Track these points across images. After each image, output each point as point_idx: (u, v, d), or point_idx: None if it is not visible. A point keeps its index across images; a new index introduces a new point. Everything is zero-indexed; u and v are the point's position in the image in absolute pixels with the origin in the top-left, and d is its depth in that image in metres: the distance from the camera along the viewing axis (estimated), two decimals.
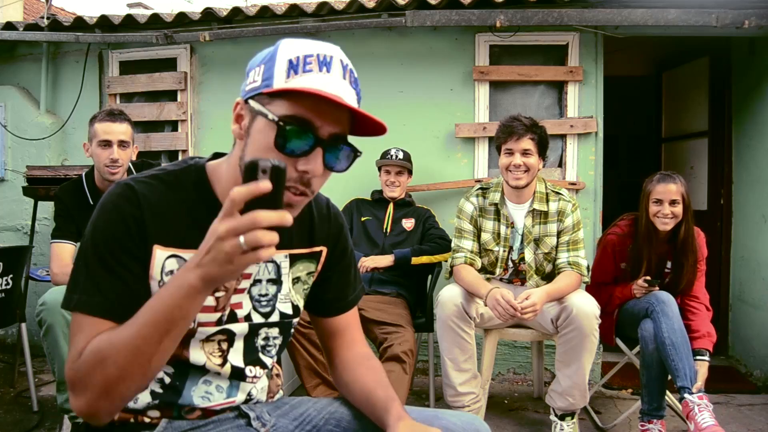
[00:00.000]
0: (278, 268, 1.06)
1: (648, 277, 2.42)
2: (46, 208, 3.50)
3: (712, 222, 3.71)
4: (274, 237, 0.75)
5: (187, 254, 0.94)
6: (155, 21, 3.49)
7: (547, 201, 2.43)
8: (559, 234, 2.42)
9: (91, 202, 2.38)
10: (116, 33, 3.54)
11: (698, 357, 2.29)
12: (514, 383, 3.27)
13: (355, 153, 0.92)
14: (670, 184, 2.39)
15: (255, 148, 0.88)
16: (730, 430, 2.58)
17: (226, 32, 3.36)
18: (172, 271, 0.94)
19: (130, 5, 10.69)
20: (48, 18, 3.59)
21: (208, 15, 3.41)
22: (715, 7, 2.94)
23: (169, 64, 3.59)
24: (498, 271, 2.48)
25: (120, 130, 2.32)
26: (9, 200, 3.68)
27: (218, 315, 1.00)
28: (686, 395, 2.15)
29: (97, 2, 7.64)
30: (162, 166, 1.01)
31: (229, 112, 3.66)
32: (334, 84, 0.88)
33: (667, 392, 2.42)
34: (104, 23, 3.50)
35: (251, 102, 0.89)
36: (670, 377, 2.34)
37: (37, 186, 3.01)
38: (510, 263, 2.49)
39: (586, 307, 2.20)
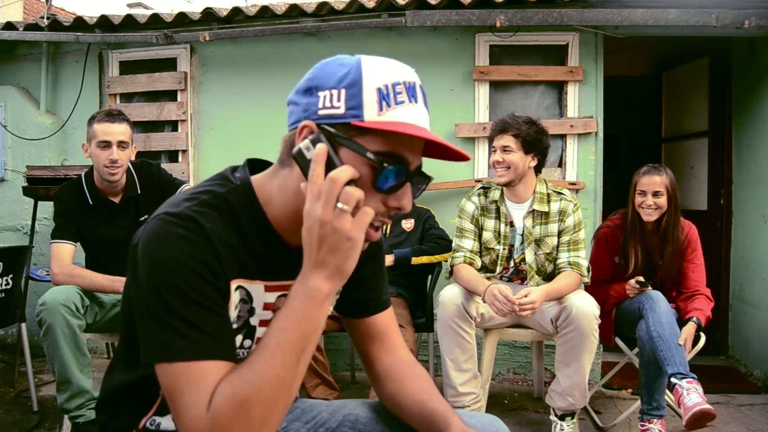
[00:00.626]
0: None
1: (640, 278, 2.44)
2: (46, 208, 3.50)
3: (712, 222, 3.71)
4: (358, 190, 0.76)
5: (249, 284, 0.89)
6: (155, 21, 3.49)
7: (548, 201, 2.43)
8: (560, 234, 2.41)
9: (90, 202, 2.38)
10: (116, 33, 3.54)
11: (689, 322, 2.35)
12: (514, 383, 3.27)
13: (429, 181, 0.91)
14: (654, 176, 2.46)
15: None
16: (730, 430, 2.59)
17: (226, 32, 3.36)
18: (242, 300, 0.89)
19: (130, 5, 10.69)
20: (48, 18, 3.59)
21: (208, 15, 3.41)
22: (715, 7, 2.94)
23: (169, 64, 3.59)
24: (498, 269, 2.48)
25: (119, 131, 2.32)
26: (9, 200, 3.68)
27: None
28: (675, 381, 2.15)
29: (97, 2, 7.64)
30: (205, 186, 0.91)
31: (229, 112, 3.63)
32: (422, 115, 0.85)
33: (667, 392, 2.42)
34: (104, 23, 3.50)
35: (335, 132, 0.81)
36: (666, 377, 2.35)
37: (37, 186, 3.01)
38: (511, 263, 2.49)
39: (586, 306, 2.20)
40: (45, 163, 3.54)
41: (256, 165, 0.99)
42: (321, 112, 0.82)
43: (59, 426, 2.32)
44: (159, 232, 0.82)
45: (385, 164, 0.81)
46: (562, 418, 2.36)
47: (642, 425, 2.38)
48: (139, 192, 2.44)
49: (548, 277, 2.45)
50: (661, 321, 2.27)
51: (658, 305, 2.32)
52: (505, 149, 2.34)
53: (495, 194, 2.47)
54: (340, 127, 0.81)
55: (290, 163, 0.87)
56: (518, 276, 2.52)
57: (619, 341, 2.61)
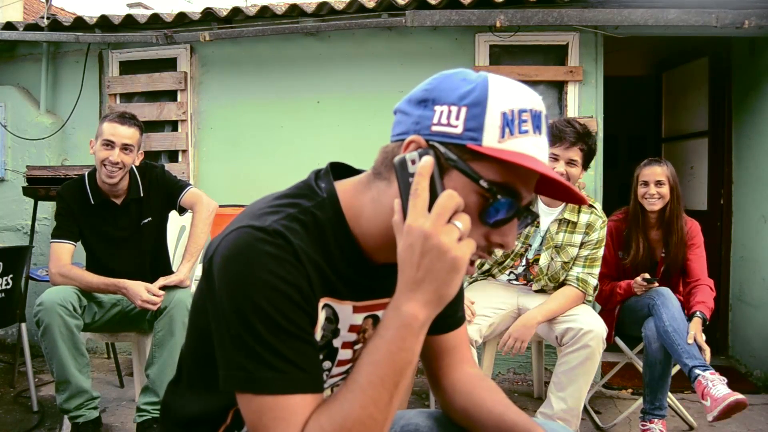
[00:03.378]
0: None
1: (647, 275, 2.44)
2: (46, 208, 3.50)
3: (712, 222, 3.71)
4: (469, 217, 0.71)
5: (337, 304, 0.84)
6: (155, 21, 3.49)
7: (579, 212, 2.36)
8: (581, 245, 2.34)
9: (92, 202, 2.38)
10: (116, 33, 3.54)
11: (693, 317, 2.34)
12: (514, 383, 3.27)
13: (536, 219, 0.86)
14: (655, 167, 2.53)
15: None
16: (730, 430, 2.58)
17: (226, 32, 3.36)
18: (328, 319, 0.83)
19: (130, 5, 10.69)
20: (48, 18, 3.59)
21: (208, 15, 3.41)
22: (715, 7, 2.94)
23: (169, 64, 3.59)
24: (508, 261, 2.45)
25: (125, 134, 2.31)
26: (9, 200, 3.68)
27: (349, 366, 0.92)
28: (699, 371, 2.14)
29: (97, 2, 7.64)
30: (290, 198, 0.84)
31: (229, 111, 3.62)
32: (545, 149, 0.77)
33: (669, 392, 2.42)
34: (104, 23, 3.50)
35: (447, 152, 0.73)
36: (670, 377, 2.35)
37: (37, 186, 3.01)
38: (524, 260, 2.47)
39: (595, 327, 2.12)
40: (45, 163, 3.54)
41: (338, 169, 0.92)
42: (434, 128, 0.74)
43: (59, 426, 2.32)
44: (244, 247, 0.74)
45: (499, 196, 0.73)
46: None
47: (643, 425, 2.38)
48: (141, 195, 2.44)
49: (559, 286, 2.38)
50: (675, 316, 2.28)
51: (670, 301, 2.33)
52: (570, 162, 2.24)
53: None
54: (454, 148, 0.74)
55: (388, 176, 0.79)
56: (525, 277, 2.49)
57: (619, 341, 2.61)
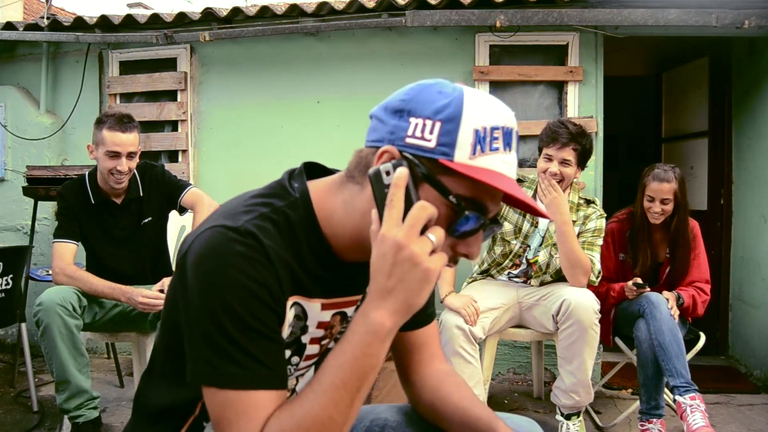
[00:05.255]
0: None
1: (638, 280, 2.44)
2: (46, 208, 3.50)
3: (712, 222, 3.71)
4: (442, 230, 0.72)
5: (306, 302, 0.86)
6: (155, 21, 3.49)
7: (577, 210, 2.42)
8: (578, 236, 2.38)
9: (93, 201, 2.38)
10: (116, 33, 3.54)
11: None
12: (514, 383, 3.27)
13: (500, 228, 0.87)
14: (663, 184, 2.46)
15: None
16: (730, 430, 2.58)
17: (226, 32, 3.36)
18: (296, 316, 0.86)
19: (130, 5, 10.69)
20: (48, 18, 3.59)
21: (208, 15, 3.41)
22: (715, 7, 2.94)
23: (169, 64, 3.59)
24: (507, 262, 2.47)
25: (129, 141, 2.29)
26: (9, 200, 3.68)
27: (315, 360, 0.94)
28: (677, 396, 2.17)
29: (97, 2, 7.64)
30: (263, 197, 0.85)
31: (229, 111, 3.61)
32: (513, 165, 0.80)
33: (666, 392, 2.42)
34: (104, 23, 3.50)
35: (420, 165, 0.76)
36: (664, 377, 2.35)
37: (37, 186, 3.01)
38: (524, 261, 2.48)
39: (585, 300, 2.19)
40: (45, 163, 3.54)
41: (312, 169, 0.94)
42: (408, 140, 0.76)
43: (59, 426, 2.32)
44: (216, 247, 0.76)
45: (466, 211, 0.76)
46: (568, 417, 2.34)
47: (642, 425, 2.38)
48: (141, 194, 2.44)
49: (558, 280, 2.42)
50: (661, 329, 2.26)
51: (659, 310, 2.31)
52: (564, 162, 2.30)
53: (527, 193, 2.45)
54: (426, 161, 0.76)
55: (361, 181, 0.82)
56: (525, 274, 2.51)
57: (618, 341, 2.61)
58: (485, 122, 0.76)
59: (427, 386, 1.02)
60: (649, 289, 2.45)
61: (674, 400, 2.18)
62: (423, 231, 0.73)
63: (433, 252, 0.72)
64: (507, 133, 0.78)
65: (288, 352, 0.88)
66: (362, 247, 0.77)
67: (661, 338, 2.25)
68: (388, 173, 0.74)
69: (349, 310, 0.93)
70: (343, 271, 0.88)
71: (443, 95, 0.77)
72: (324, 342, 0.93)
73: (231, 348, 0.74)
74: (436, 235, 0.73)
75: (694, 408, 2.10)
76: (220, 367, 0.74)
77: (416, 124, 0.76)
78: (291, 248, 0.82)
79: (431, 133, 0.75)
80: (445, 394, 1.00)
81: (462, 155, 0.75)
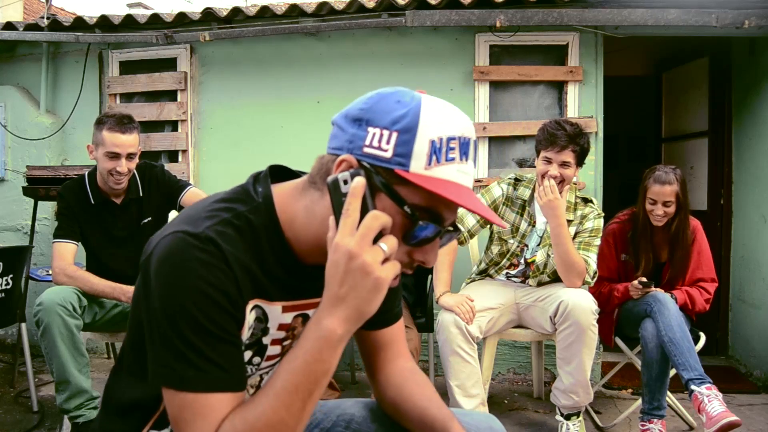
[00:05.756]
0: None
1: (643, 279, 2.44)
2: (46, 208, 3.50)
3: (712, 222, 3.71)
4: (395, 239, 0.74)
5: (266, 305, 0.87)
6: (155, 21, 3.49)
7: (575, 210, 2.41)
8: (575, 236, 2.38)
9: (92, 201, 2.38)
10: (116, 33, 3.54)
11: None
12: (514, 383, 3.27)
13: (458, 234, 0.88)
14: (665, 186, 2.46)
15: None
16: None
17: (226, 32, 3.36)
18: (257, 319, 0.87)
19: (130, 5, 10.70)
20: (48, 18, 3.59)
21: (208, 15, 3.41)
22: (715, 7, 2.94)
23: (169, 64, 3.59)
24: (504, 262, 2.47)
25: (130, 142, 2.29)
26: (9, 200, 3.68)
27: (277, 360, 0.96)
28: (694, 387, 2.15)
29: (97, 2, 7.64)
30: (226, 202, 0.87)
31: (229, 111, 3.61)
32: (470, 174, 0.82)
33: (668, 392, 2.42)
34: (104, 23, 3.50)
35: (377, 175, 0.77)
36: (669, 377, 2.35)
37: (37, 186, 3.01)
38: (522, 261, 2.48)
39: (583, 301, 2.19)
40: (45, 163, 3.54)
41: (278, 171, 0.95)
42: (366, 150, 0.78)
43: (59, 426, 2.32)
44: (176, 253, 0.78)
45: (421, 222, 0.78)
46: (568, 417, 2.35)
47: (642, 425, 2.38)
48: (141, 195, 2.44)
49: (556, 276, 2.42)
50: (671, 325, 2.26)
51: (667, 308, 2.31)
52: (564, 164, 2.28)
53: (525, 192, 2.44)
54: (383, 171, 0.77)
55: (322, 188, 0.84)
56: (523, 274, 2.51)
57: (619, 341, 2.61)
58: (441, 133, 0.77)
59: (391, 384, 1.05)
60: (654, 287, 2.44)
61: (690, 393, 2.17)
62: (377, 240, 0.74)
63: (385, 261, 0.74)
64: (464, 143, 0.80)
65: (249, 353, 0.90)
66: (323, 252, 0.78)
67: (672, 334, 2.24)
68: (345, 182, 0.75)
69: (311, 312, 0.92)
70: (304, 274, 0.90)
71: (401, 105, 0.78)
72: (286, 343, 0.95)
73: (189, 351, 0.76)
74: (389, 244, 0.74)
75: (712, 397, 2.09)
76: (178, 370, 0.76)
77: (374, 134, 0.78)
78: (252, 252, 0.83)
79: (388, 143, 0.77)
80: (407, 392, 1.02)
81: (418, 165, 0.76)
